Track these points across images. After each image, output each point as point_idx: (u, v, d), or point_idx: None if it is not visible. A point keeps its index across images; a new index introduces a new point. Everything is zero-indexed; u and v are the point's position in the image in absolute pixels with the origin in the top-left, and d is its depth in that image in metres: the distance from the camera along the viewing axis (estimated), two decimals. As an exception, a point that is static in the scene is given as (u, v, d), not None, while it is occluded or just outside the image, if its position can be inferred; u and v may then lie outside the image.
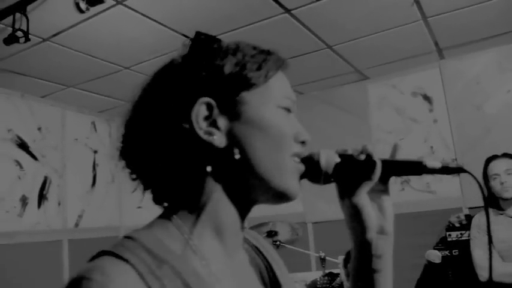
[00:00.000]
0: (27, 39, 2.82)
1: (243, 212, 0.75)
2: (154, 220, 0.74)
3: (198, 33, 0.77)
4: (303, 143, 0.76)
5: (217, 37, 0.78)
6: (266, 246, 0.91)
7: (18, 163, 4.25)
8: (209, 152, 0.70)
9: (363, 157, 0.75)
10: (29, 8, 2.77)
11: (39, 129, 4.50)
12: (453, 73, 4.24)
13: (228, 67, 0.72)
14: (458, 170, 0.76)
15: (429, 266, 3.22)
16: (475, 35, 3.77)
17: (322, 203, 4.50)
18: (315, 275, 3.56)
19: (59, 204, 4.58)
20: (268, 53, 0.76)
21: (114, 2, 2.85)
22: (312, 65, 4.08)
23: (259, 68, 0.73)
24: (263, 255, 0.87)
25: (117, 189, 5.31)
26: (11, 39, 2.82)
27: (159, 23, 3.15)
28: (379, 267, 0.79)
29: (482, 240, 3.00)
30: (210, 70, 0.71)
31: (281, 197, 0.73)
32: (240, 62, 0.72)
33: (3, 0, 2.75)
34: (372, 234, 0.77)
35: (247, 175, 0.71)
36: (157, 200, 0.77)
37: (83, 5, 2.64)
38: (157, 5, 2.94)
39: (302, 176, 0.75)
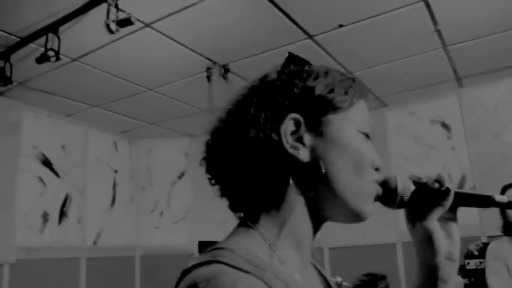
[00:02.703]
0: (58, 59, 2.93)
1: (316, 227, 0.78)
2: (236, 230, 0.77)
3: (290, 54, 0.82)
4: (377, 169, 0.78)
5: (306, 60, 0.83)
6: (322, 266, 0.95)
7: (41, 180, 4.34)
8: (293, 165, 0.73)
9: (437, 185, 0.79)
10: (61, 28, 2.89)
11: (63, 147, 4.60)
12: (472, 101, 4.27)
13: (319, 89, 0.76)
14: None
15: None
16: (494, 64, 3.80)
17: (338, 229, 4.49)
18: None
19: (79, 221, 4.65)
20: (353, 80, 0.81)
21: (142, 25, 2.96)
22: (332, 90, 4.14)
23: (346, 93, 0.77)
24: (322, 274, 0.91)
25: (135, 209, 5.36)
26: (42, 59, 2.93)
27: (185, 46, 3.25)
28: None
29: (498, 268, 2.97)
30: (303, 89, 0.76)
31: (355, 218, 0.76)
32: (329, 85, 0.77)
33: (38, 21, 2.88)
34: (440, 259, 0.80)
35: (327, 192, 0.74)
36: (234, 208, 0.80)
37: (113, 26, 2.74)
38: (183, 28, 3.04)
39: (376, 199, 0.78)
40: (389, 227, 4.41)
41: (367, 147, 0.77)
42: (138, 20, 2.86)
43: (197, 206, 5.18)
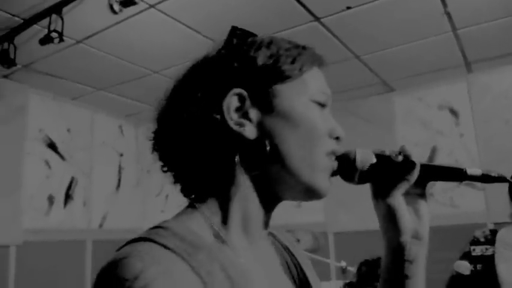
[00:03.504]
0: (62, 40, 2.91)
1: (268, 207, 0.75)
2: (182, 210, 0.74)
3: (233, 28, 0.78)
4: (337, 139, 0.75)
5: (252, 32, 0.79)
6: (297, 248, 0.91)
7: (47, 163, 4.35)
8: (239, 143, 0.70)
9: (400, 158, 0.73)
10: (64, 9, 2.86)
11: (68, 130, 4.60)
12: (481, 87, 4.20)
13: (261, 59, 0.71)
14: (500, 179, 0.74)
15: (457, 277, 3.18)
16: (505, 48, 3.73)
17: (343, 213, 4.48)
18: (335, 284, 3.54)
19: (84, 204, 4.67)
20: (303, 47, 0.76)
21: (147, 6, 2.92)
22: (339, 75, 4.09)
23: (293, 62, 0.72)
24: (293, 255, 0.87)
25: (141, 192, 5.38)
26: (46, 40, 2.91)
27: (190, 27, 3.21)
28: (411, 273, 0.76)
29: (508, 255, 2.94)
30: (243, 61, 0.71)
31: (309, 194, 0.72)
32: (274, 55, 0.72)
33: (41, 3, 2.85)
34: (405, 238, 0.75)
35: (277, 168, 0.70)
36: (185, 192, 0.77)
37: (116, 7, 2.71)
38: (188, 10, 3.00)
39: (335, 173, 0.75)
40: (395, 213, 4.39)
41: (320, 117, 0.73)
42: (142, 1, 2.82)
43: (202, 190, 5.14)
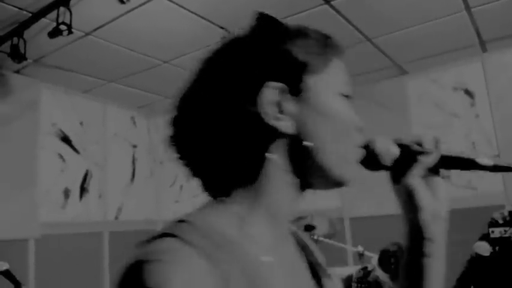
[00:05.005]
0: (70, 32, 2.91)
1: (297, 198, 0.74)
2: (206, 203, 0.71)
3: (261, 14, 0.74)
4: (360, 130, 0.75)
5: (277, 19, 0.75)
6: (315, 247, 0.89)
7: (61, 156, 4.38)
8: (274, 136, 0.68)
9: (419, 148, 0.77)
10: (72, 1, 2.85)
11: (81, 123, 4.62)
12: (496, 67, 4.12)
13: (296, 50, 0.69)
14: (509, 169, 0.76)
15: (476, 259, 3.15)
16: (521, 26, 3.65)
17: (360, 199, 4.45)
18: (352, 269, 3.52)
19: (100, 197, 4.70)
20: (328, 37, 0.75)
21: (155, -5, 2.90)
22: (351, 59, 4.00)
23: (322, 53, 0.71)
24: (313, 254, 0.86)
25: (155, 183, 5.40)
26: (55, 33, 2.91)
27: (198, 15, 3.18)
28: (431, 252, 0.78)
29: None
30: (278, 53, 0.69)
31: (340, 184, 0.73)
32: (306, 46, 0.70)
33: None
34: (425, 216, 0.77)
35: (311, 162, 0.70)
36: (208, 188, 0.74)
37: (123, -3, 2.69)
38: (196, -2, 2.97)
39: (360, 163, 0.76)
40: (411, 196, 4.35)
41: (349, 110, 0.73)
42: (150, -10, 2.80)
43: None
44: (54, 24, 2.91)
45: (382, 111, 4.59)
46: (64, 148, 4.42)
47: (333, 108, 0.70)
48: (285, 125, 0.68)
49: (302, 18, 3.23)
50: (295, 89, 0.69)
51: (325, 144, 0.69)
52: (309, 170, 0.71)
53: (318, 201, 4.60)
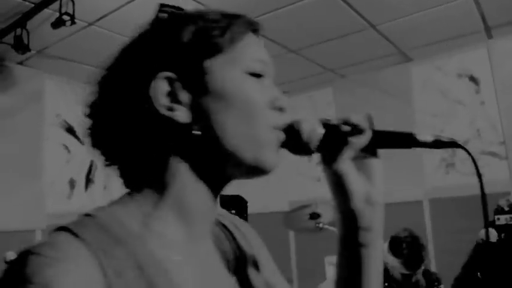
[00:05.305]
0: (73, 22, 2.91)
1: (214, 192, 0.70)
2: (117, 198, 0.71)
3: (161, 5, 0.72)
4: (280, 109, 0.70)
5: (180, 7, 0.73)
6: (242, 227, 0.85)
7: (66, 147, 4.39)
8: (171, 128, 0.65)
9: (348, 128, 0.70)
10: (75, -9, 2.85)
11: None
12: (502, 53, 4.09)
13: (186, 35, 0.66)
14: (452, 145, 0.71)
15: (483, 245, 3.15)
16: (526, 11, 3.62)
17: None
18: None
19: (105, 187, 4.71)
20: (234, 16, 0.70)
21: (157, -16, 2.88)
22: (355, 46, 4.02)
23: (223, 33, 0.67)
24: (230, 232, 0.81)
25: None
26: (58, 23, 2.91)
27: (203, 4, 3.16)
28: (367, 241, 0.73)
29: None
30: (167, 40, 0.67)
31: (257, 171, 0.68)
32: (200, 28, 0.67)
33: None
34: (357, 203, 0.71)
35: (216, 151, 0.66)
36: (127, 184, 0.73)
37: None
38: (199, -14, 2.96)
39: (281, 146, 0.70)
40: (416, 184, 4.34)
41: (257, 88, 0.68)
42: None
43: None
44: (57, 14, 2.91)
45: (386, 98, 4.57)
46: (69, 139, 4.43)
47: (234, 89, 0.66)
48: (180, 115, 0.65)
49: (304, 6, 3.21)
50: (189, 75, 0.66)
51: (230, 128, 0.65)
52: (217, 160, 0.67)
53: (322, 189, 4.63)
